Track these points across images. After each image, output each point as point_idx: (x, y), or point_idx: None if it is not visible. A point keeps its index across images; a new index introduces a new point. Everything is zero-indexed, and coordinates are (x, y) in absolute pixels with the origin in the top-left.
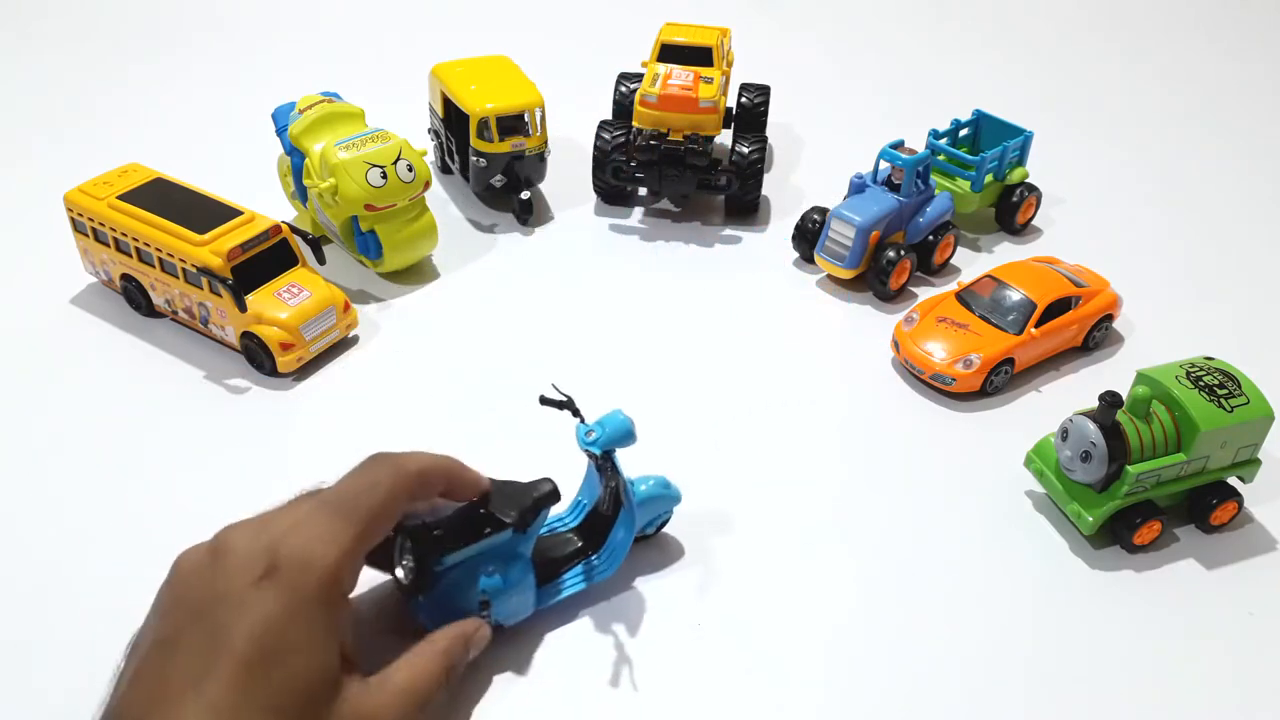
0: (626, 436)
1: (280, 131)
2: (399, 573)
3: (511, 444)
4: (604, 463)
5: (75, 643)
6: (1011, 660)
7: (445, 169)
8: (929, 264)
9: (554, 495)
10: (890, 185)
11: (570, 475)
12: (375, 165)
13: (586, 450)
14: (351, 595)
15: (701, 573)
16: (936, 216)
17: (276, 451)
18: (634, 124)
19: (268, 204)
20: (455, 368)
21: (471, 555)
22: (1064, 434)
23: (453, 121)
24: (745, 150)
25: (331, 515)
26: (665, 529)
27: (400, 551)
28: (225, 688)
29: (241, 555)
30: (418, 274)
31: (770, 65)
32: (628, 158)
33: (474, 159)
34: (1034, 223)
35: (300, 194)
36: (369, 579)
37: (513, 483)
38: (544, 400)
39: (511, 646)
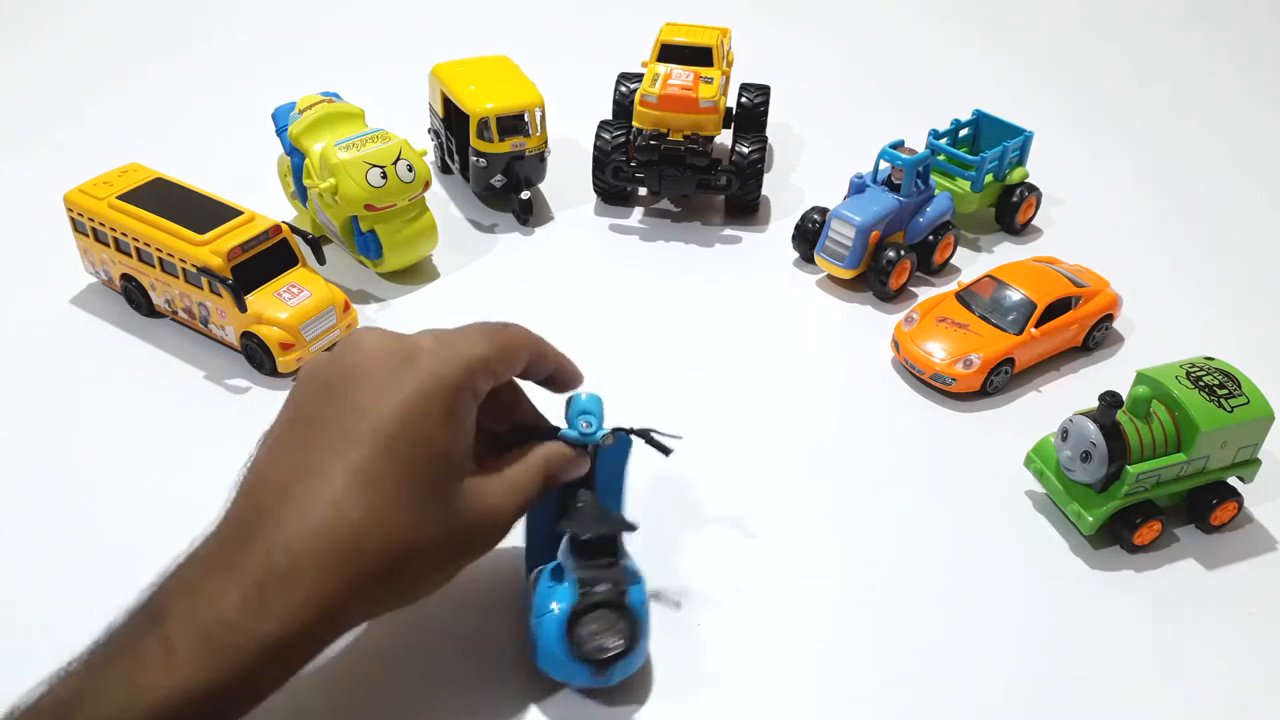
0: (601, 403)
1: (280, 131)
2: (605, 651)
3: None
4: (613, 436)
5: (74, 643)
6: (1011, 660)
7: (445, 169)
8: (929, 264)
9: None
10: (890, 185)
11: None
12: (375, 165)
13: (600, 442)
14: None
15: (701, 573)
16: (936, 216)
17: None
18: (634, 124)
19: (268, 204)
20: None
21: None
22: (1064, 434)
23: (453, 121)
24: (745, 150)
25: (470, 335)
26: (666, 529)
27: (598, 637)
28: (367, 455)
29: (379, 345)
30: (418, 274)
31: (770, 65)
32: (628, 158)
33: (474, 159)
34: (1034, 223)
35: (300, 194)
36: None
37: (574, 515)
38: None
39: (509, 644)
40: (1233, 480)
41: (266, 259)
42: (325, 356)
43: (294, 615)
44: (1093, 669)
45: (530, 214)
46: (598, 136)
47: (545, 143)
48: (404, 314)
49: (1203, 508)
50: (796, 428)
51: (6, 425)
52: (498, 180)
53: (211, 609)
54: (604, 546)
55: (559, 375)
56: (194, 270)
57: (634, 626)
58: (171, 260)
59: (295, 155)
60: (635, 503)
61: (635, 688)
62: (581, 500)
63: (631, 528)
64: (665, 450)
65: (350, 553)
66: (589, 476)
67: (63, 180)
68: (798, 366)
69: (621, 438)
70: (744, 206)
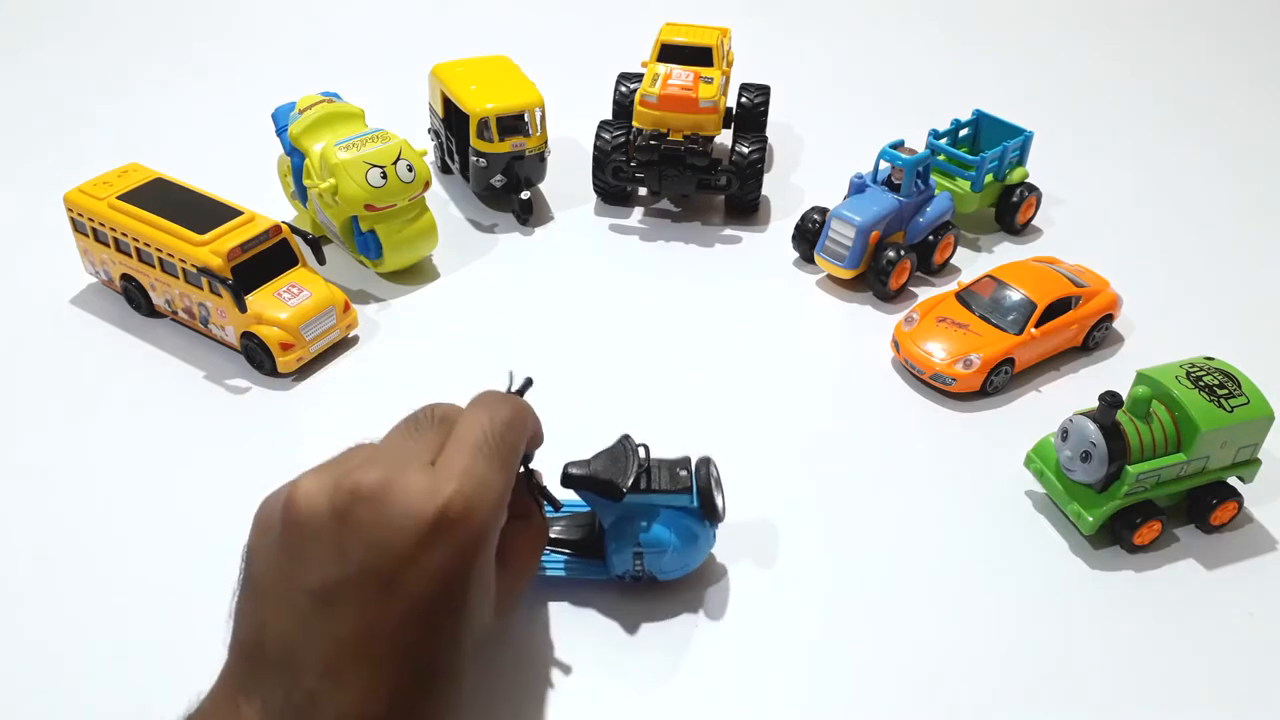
0: None
1: (280, 131)
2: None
3: None
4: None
5: (71, 640)
6: (1011, 660)
7: (445, 169)
8: (929, 264)
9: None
10: (890, 185)
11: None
12: (375, 165)
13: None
14: None
15: (701, 573)
16: (936, 216)
17: (276, 451)
18: (634, 124)
19: (268, 204)
20: (455, 368)
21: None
22: (1064, 434)
23: (453, 121)
24: (745, 150)
25: (489, 463)
26: None
27: (719, 495)
28: (414, 640)
29: (402, 505)
30: (418, 274)
31: (770, 65)
32: (628, 158)
33: (474, 159)
34: (1034, 223)
35: (300, 194)
36: None
37: (610, 478)
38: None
39: (507, 644)
40: (1233, 480)
41: (266, 259)
42: (324, 498)
43: None
44: (1093, 669)
45: (530, 214)
46: (598, 136)
47: (545, 143)
48: (404, 314)
49: (1203, 508)
50: (796, 427)
51: (6, 425)
52: (498, 180)
53: None
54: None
55: (535, 437)
56: (194, 270)
57: (714, 470)
58: (171, 260)
59: (295, 155)
60: None
61: (635, 686)
62: (579, 472)
63: (641, 443)
64: (528, 382)
65: None
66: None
67: (63, 180)
68: (798, 366)
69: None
70: (744, 206)
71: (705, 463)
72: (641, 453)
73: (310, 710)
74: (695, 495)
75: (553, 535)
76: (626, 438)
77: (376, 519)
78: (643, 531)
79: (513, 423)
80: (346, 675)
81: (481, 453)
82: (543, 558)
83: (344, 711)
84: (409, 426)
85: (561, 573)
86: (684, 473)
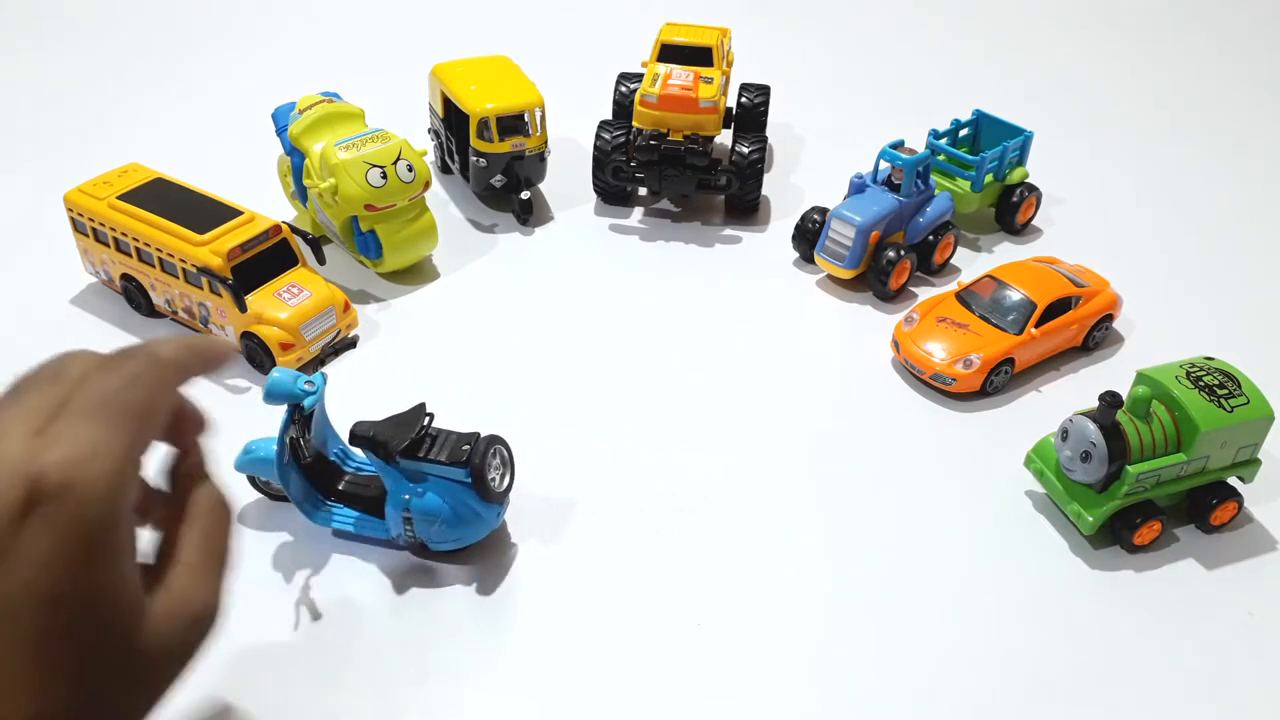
0: (287, 370)
1: (280, 131)
2: (505, 481)
3: (511, 442)
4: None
5: None
6: (1012, 660)
7: (445, 169)
8: (929, 264)
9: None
10: (890, 185)
11: (573, 476)
12: (375, 165)
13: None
14: None
15: (702, 573)
16: (936, 216)
17: None
18: (634, 124)
19: (268, 204)
20: (455, 368)
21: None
22: (1064, 434)
23: (453, 121)
24: (745, 150)
25: (95, 423)
26: (667, 527)
27: (499, 474)
28: (27, 649)
29: None
30: (418, 274)
31: (770, 65)
32: (628, 158)
33: (474, 159)
34: (1034, 223)
35: (300, 194)
36: None
37: (382, 441)
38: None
39: (510, 644)
40: (1233, 480)
41: (266, 259)
42: None
43: None
44: (1093, 669)
45: (530, 214)
46: (598, 136)
47: (545, 143)
48: (404, 314)
49: (1203, 508)
50: (796, 428)
51: None
52: (498, 180)
53: None
54: (417, 442)
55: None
56: (194, 270)
57: (503, 451)
58: (171, 260)
59: (295, 155)
60: (635, 504)
61: (631, 682)
62: (362, 431)
63: (428, 412)
64: (352, 344)
65: None
66: (308, 424)
67: (63, 180)
68: (798, 366)
69: (321, 375)
70: (744, 206)
71: (490, 441)
72: (427, 421)
73: None
74: (468, 470)
75: (347, 491)
76: (421, 405)
77: None
78: (415, 497)
79: (140, 377)
80: None
81: (100, 415)
82: (334, 511)
83: None
84: (20, 385)
85: (349, 527)
86: (466, 447)
